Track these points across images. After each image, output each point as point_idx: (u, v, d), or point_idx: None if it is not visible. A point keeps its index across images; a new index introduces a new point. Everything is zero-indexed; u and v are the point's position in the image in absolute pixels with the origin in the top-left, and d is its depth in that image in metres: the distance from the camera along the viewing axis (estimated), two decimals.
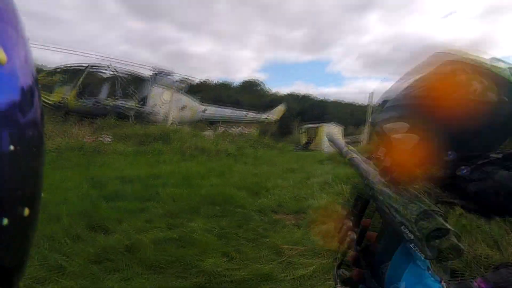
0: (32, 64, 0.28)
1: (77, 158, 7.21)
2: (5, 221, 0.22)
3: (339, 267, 0.54)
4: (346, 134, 21.35)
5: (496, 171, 1.66)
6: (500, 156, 1.67)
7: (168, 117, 12.54)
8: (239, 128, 21.93)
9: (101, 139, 9.09)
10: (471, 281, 1.43)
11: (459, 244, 0.39)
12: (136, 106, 12.12)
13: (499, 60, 0.45)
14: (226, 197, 4.18)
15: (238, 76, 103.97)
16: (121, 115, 11.50)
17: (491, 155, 1.69)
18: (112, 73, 12.23)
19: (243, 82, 64.14)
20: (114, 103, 11.66)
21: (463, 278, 1.65)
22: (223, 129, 20.00)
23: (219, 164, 8.29)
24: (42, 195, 0.28)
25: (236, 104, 39.19)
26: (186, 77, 19.49)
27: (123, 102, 11.96)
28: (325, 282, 2.02)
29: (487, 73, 0.45)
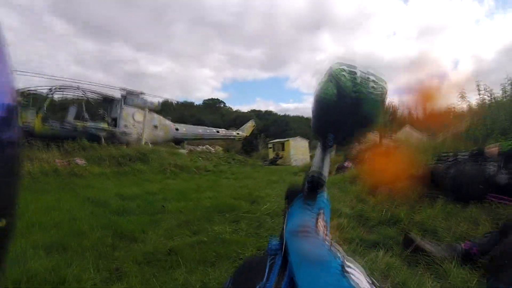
0: (12, 83, 0.28)
1: (56, 181, 6.91)
2: None
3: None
4: (311, 147, 22.46)
5: (465, 166, 2.55)
6: (467, 155, 2.57)
7: (142, 137, 12.36)
8: (205, 146, 22.06)
9: (74, 162, 8.74)
10: (459, 243, 2.14)
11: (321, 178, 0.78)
12: (108, 127, 11.78)
13: (352, 74, 0.65)
14: (231, 206, 4.45)
15: (198, 95, 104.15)
16: (92, 137, 11.09)
17: (460, 154, 2.58)
18: (81, 95, 11.82)
19: (205, 101, 64.32)
20: (84, 125, 11.23)
21: None
22: (189, 147, 19.99)
23: (203, 180, 8.47)
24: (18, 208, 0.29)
25: (199, 123, 38.98)
26: (147, 95, 19.29)
27: (93, 124, 11.56)
28: None
29: (335, 79, 0.66)
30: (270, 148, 24.27)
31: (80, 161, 8.93)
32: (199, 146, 21.37)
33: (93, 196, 5.05)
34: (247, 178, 9.62)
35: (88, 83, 12.28)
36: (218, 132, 18.38)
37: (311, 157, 15.10)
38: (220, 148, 23.54)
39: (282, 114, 61.47)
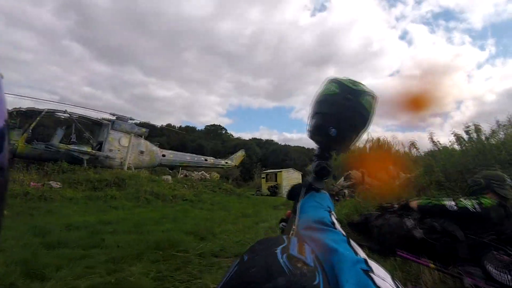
0: (2, 104, 0.27)
1: (20, 205, 6.87)
2: None
3: (281, 221, 0.91)
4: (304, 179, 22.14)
5: (391, 218, 2.51)
6: (396, 206, 2.53)
7: (125, 162, 12.41)
8: (200, 173, 22.00)
9: (48, 185, 8.74)
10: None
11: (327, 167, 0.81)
12: (91, 151, 11.90)
13: (349, 78, 0.76)
14: (172, 242, 4.35)
15: (202, 120, 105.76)
16: (75, 160, 11.17)
17: (394, 206, 2.54)
18: (68, 117, 12.10)
19: (207, 127, 65.14)
20: (67, 147, 11.37)
21: None
22: (185, 173, 19.95)
23: (174, 210, 8.34)
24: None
25: (199, 149, 39.15)
26: (147, 121, 19.73)
27: (76, 147, 11.70)
28: None
29: (336, 81, 0.76)
30: (263, 178, 24.12)
31: (55, 184, 8.93)
32: (194, 172, 21.40)
33: (42, 225, 4.99)
34: (222, 209, 9.46)
35: (80, 107, 12.62)
36: (206, 160, 18.41)
37: None
38: (217, 175, 23.50)
39: (283, 143, 61.62)
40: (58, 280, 2.87)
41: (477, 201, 2.24)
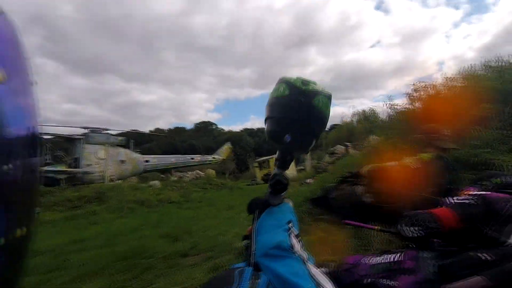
0: (38, 108, 0.28)
1: None
2: (2, 241, 0.24)
3: (243, 238, 0.80)
4: (297, 163, 22.20)
5: (345, 188, 2.11)
6: (351, 176, 2.12)
7: (105, 175, 12.05)
8: (195, 172, 21.74)
9: None
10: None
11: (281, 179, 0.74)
12: (67, 169, 11.50)
13: (300, 78, 0.71)
14: (142, 249, 4.14)
15: (192, 118, 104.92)
16: (52, 181, 10.79)
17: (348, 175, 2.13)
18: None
19: (196, 125, 64.66)
20: (41, 169, 10.89)
21: None
22: (179, 175, 19.68)
23: (158, 214, 8.10)
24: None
25: (191, 148, 38.84)
26: (135, 130, 19.32)
27: (51, 168, 11.28)
28: None
29: (285, 81, 0.70)
30: (257, 167, 23.95)
31: None
32: (188, 172, 21.12)
33: None
34: (209, 205, 9.26)
35: (50, 125, 12.14)
36: (192, 159, 18.14)
37: (298, 171, 14.75)
38: (212, 171, 23.26)
39: None
40: None
41: (416, 157, 2.14)
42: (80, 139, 12.36)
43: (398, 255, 1.46)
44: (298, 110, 0.68)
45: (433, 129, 2.26)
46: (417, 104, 3.95)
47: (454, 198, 1.56)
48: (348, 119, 12.83)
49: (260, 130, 63.91)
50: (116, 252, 4.23)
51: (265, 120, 0.75)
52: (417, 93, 4.01)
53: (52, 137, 12.20)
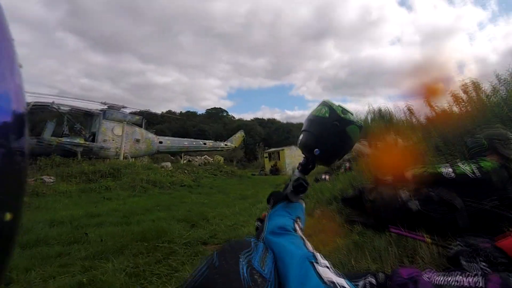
0: (21, 90, 0.28)
1: None
2: None
3: (257, 220, 0.91)
4: None
5: (385, 190, 1.96)
6: (390, 178, 1.97)
7: (120, 151, 12.14)
8: (204, 157, 21.80)
9: (41, 180, 8.53)
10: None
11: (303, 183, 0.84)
12: (84, 143, 11.61)
13: (341, 106, 0.81)
14: (160, 232, 4.10)
15: (204, 104, 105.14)
16: (68, 153, 10.92)
17: (388, 177, 1.99)
18: (56, 110, 11.72)
19: (208, 111, 64.67)
20: (59, 141, 11.08)
21: None
22: (188, 158, 19.76)
23: (170, 197, 8.12)
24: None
25: (201, 133, 38.93)
26: (147, 110, 19.38)
27: (68, 139, 11.40)
28: None
29: (328, 105, 0.80)
30: (266, 157, 23.96)
31: (48, 179, 8.72)
32: (197, 157, 21.19)
33: (24, 222, 4.75)
34: (221, 193, 9.25)
35: (70, 98, 12.22)
36: (205, 144, 18.11)
37: None
38: (221, 158, 23.32)
39: (286, 122, 61.07)
40: (24, 283, 2.61)
41: (477, 165, 1.96)
42: (98, 114, 12.44)
43: (476, 279, 1.30)
44: (331, 133, 0.78)
45: (501, 135, 2.05)
46: (464, 106, 3.73)
47: None
48: (362, 116, 12.61)
49: (270, 121, 63.70)
50: (134, 231, 4.21)
51: (302, 131, 0.86)
52: (466, 94, 3.78)
53: (70, 109, 12.27)
